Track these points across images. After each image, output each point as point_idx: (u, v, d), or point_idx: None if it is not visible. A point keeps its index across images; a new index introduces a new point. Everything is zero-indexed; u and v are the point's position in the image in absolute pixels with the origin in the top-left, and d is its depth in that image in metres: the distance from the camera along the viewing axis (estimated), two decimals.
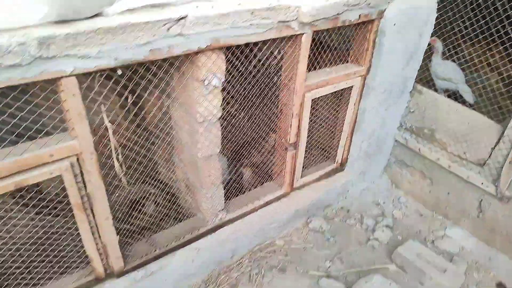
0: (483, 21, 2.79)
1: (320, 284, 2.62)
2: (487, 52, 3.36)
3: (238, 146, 2.84)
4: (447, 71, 3.33)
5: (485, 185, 2.87)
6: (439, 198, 3.28)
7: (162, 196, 2.60)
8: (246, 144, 2.93)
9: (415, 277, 2.73)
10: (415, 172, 3.41)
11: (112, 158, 1.88)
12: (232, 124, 2.58)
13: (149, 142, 2.37)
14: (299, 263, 2.81)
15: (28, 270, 1.92)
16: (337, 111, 2.99)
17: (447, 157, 3.10)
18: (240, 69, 2.24)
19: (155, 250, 2.35)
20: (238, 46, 2.04)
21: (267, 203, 2.85)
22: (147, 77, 1.88)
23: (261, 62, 2.30)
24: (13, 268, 1.84)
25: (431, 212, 3.38)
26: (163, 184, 2.83)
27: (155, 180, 2.70)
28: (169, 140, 2.37)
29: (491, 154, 2.82)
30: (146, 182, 2.60)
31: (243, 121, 2.60)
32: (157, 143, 2.38)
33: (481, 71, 3.38)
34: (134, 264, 2.28)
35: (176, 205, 2.62)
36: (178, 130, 2.42)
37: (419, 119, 3.22)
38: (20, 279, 1.90)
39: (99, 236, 2.03)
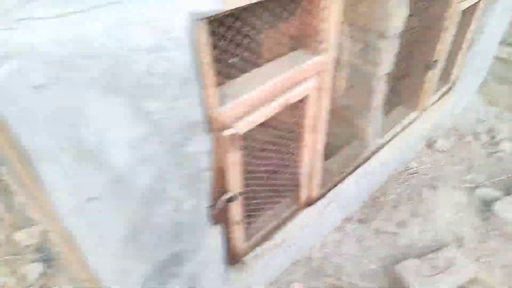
0: None
1: (477, 194, 2.72)
2: None
3: None
4: None
5: None
6: None
7: None
8: None
9: None
10: None
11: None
12: None
13: None
14: (443, 180, 2.89)
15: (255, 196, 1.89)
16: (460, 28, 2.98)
17: None
18: None
19: (337, 177, 2.36)
20: None
21: (408, 125, 2.87)
22: None
23: None
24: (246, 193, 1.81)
25: None
26: None
27: None
28: None
29: None
30: None
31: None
32: None
33: None
34: (322, 192, 2.29)
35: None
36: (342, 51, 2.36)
37: None
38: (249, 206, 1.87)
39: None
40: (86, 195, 0.98)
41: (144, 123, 1.01)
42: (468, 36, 2.99)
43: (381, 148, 2.70)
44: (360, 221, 2.60)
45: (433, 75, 2.76)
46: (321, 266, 2.36)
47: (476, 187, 2.80)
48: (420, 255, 2.37)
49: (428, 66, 2.67)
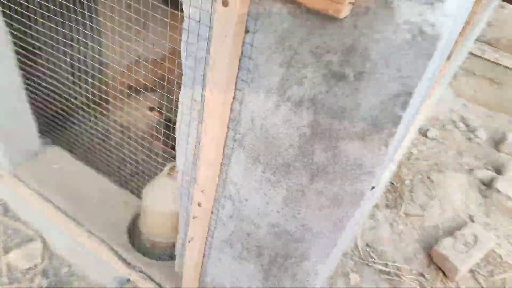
0: None
1: (476, 175, 2.98)
2: None
3: None
4: None
5: None
6: (507, 99, 3.87)
7: None
8: None
9: None
10: (483, 81, 3.91)
11: None
12: None
13: None
14: (444, 164, 3.11)
15: None
16: None
17: None
18: None
19: None
20: None
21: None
22: None
23: None
24: None
25: (495, 112, 3.96)
26: None
27: None
28: None
29: None
30: None
31: None
32: None
33: None
34: None
35: None
36: None
37: (497, 30, 3.65)
38: None
39: None
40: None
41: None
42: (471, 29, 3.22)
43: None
44: (387, 206, 2.65)
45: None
46: (367, 254, 2.35)
47: (472, 169, 3.07)
48: (447, 234, 2.52)
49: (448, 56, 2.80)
